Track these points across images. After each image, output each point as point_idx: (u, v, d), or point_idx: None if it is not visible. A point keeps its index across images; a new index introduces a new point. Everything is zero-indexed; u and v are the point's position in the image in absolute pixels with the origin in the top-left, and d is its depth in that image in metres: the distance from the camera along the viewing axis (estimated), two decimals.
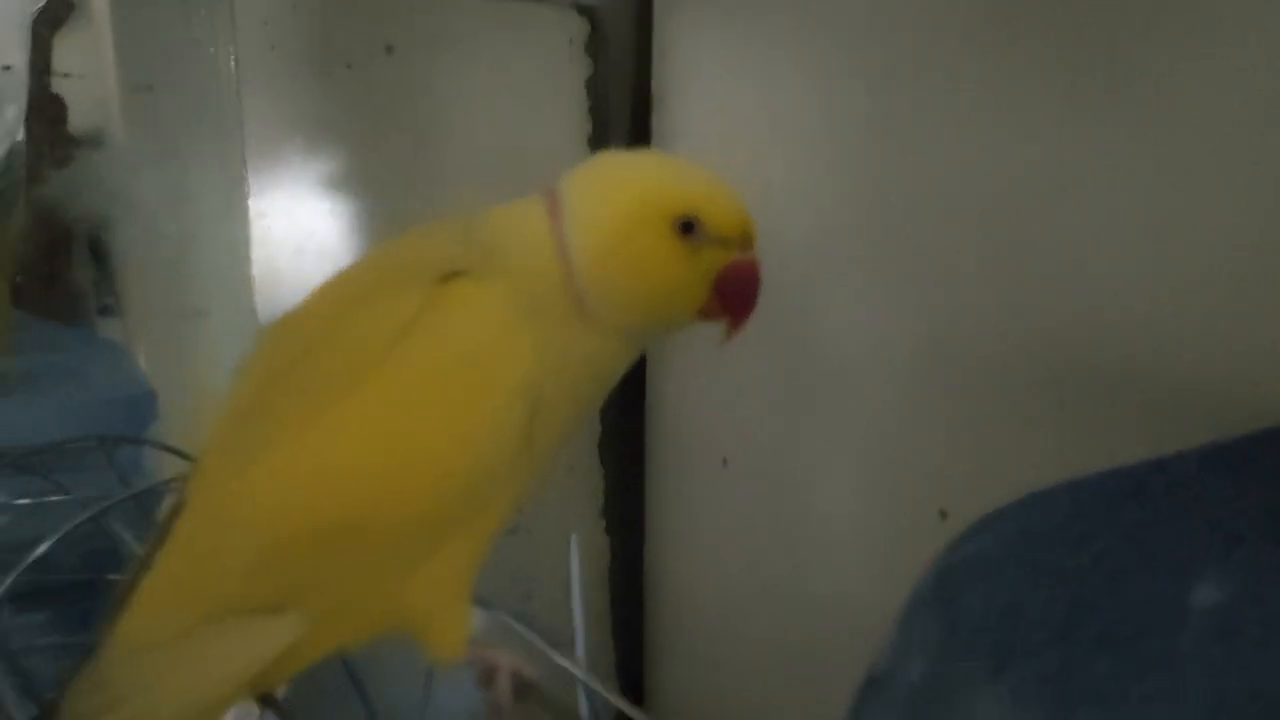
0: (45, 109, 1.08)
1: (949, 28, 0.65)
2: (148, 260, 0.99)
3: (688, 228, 0.41)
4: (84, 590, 0.75)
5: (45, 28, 1.07)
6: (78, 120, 1.09)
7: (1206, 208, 0.55)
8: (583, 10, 0.86)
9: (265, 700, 0.46)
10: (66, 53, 1.09)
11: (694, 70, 0.83)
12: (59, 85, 1.09)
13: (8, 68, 1.05)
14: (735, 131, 0.79)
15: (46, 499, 0.70)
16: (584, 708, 0.53)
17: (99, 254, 1.09)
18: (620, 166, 0.44)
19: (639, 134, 0.87)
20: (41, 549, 0.56)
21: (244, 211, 0.99)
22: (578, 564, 0.88)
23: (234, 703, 0.44)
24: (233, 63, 0.97)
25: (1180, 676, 0.22)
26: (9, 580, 0.54)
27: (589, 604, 0.93)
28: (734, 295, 0.43)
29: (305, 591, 0.40)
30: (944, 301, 0.68)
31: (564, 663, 0.50)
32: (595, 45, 0.87)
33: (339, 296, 0.44)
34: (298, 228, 0.99)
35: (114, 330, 1.07)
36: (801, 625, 0.81)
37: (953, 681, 0.26)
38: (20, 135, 1.10)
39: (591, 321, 0.41)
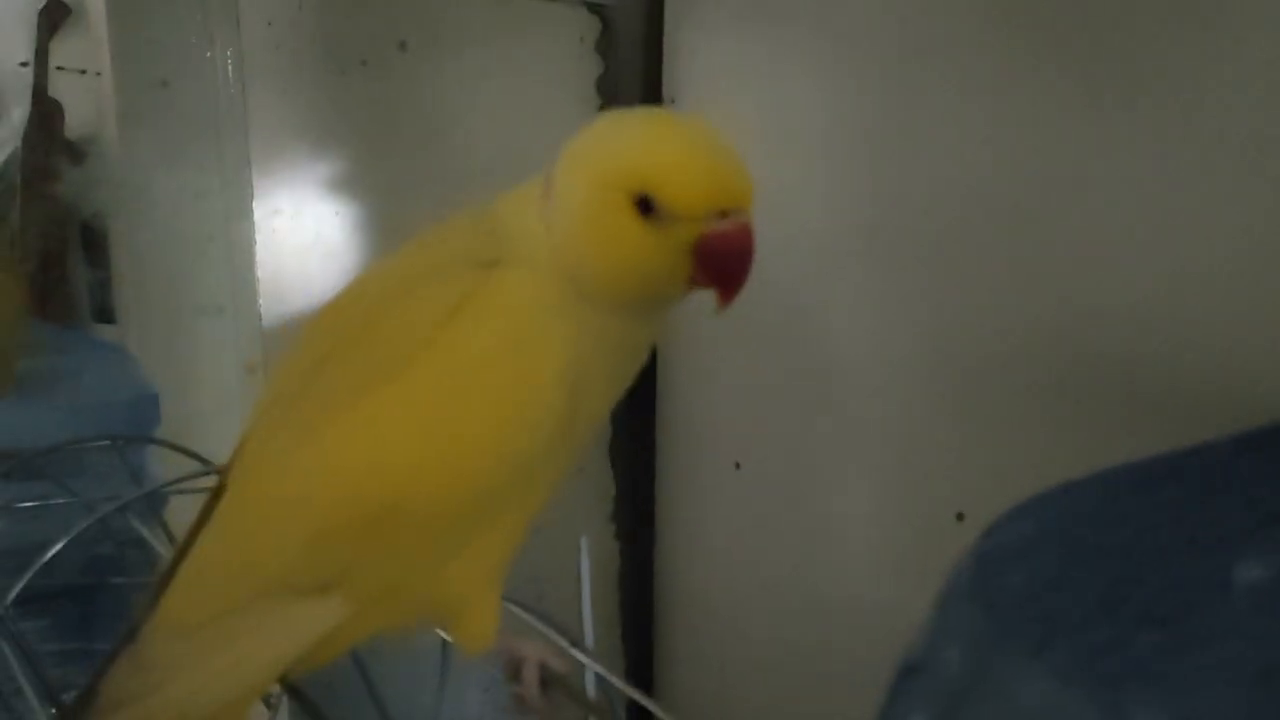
0: (43, 111, 1.08)
1: (961, 34, 0.66)
2: (150, 260, 0.99)
3: (646, 206, 0.39)
4: (85, 595, 0.75)
5: (43, 30, 1.07)
6: (81, 118, 1.09)
7: (1218, 210, 0.55)
8: (594, 9, 0.86)
9: (291, 690, 0.46)
10: (68, 53, 1.09)
11: (705, 70, 0.83)
12: (66, 82, 1.09)
13: (25, 64, 1.05)
14: (747, 132, 0.79)
15: (51, 501, 0.69)
16: (594, 696, 0.53)
17: (97, 255, 1.09)
18: (592, 140, 0.42)
19: None
20: (56, 548, 0.56)
21: (249, 211, 0.99)
22: (588, 566, 0.88)
23: (269, 687, 0.44)
24: (229, 64, 0.97)
25: (1227, 651, 0.22)
26: (26, 578, 0.54)
27: (600, 607, 0.92)
28: (712, 269, 0.40)
29: (347, 575, 0.41)
30: (956, 303, 0.68)
31: (577, 654, 0.50)
32: (606, 44, 0.87)
33: (378, 287, 0.44)
34: (305, 228, 0.99)
35: (115, 332, 1.07)
36: (814, 628, 0.81)
37: (993, 663, 0.26)
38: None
39: (594, 302, 0.41)
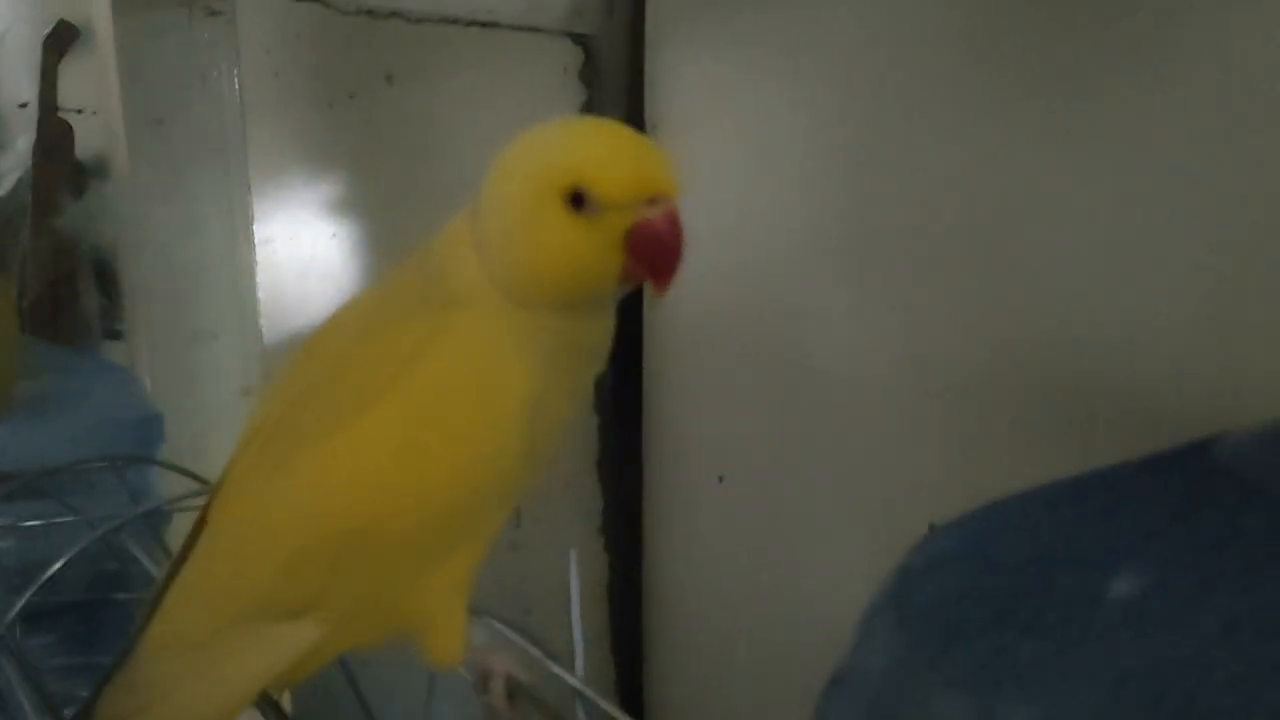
0: (52, 133, 1.10)
1: (935, 63, 0.67)
2: (155, 285, 1.01)
3: (578, 200, 0.39)
4: (88, 612, 0.77)
5: (51, 53, 1.10)
6: (85, 151, 1.11)
7: (1179, 230, 0.57)
8: (577, 39, 0.88)
9: (270, 706, 0.48)
10: (74, 85, 1.11)
11: (686, 96, 0.84)
12: (70, 120, 1.11)
13: (24, 105, 1.08)
14: (728, 157, 0.81)
15: (55, 520, 0.71)
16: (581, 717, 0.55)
17: (105, 280, 1.11)
18: (517, 151, 0.42)
19: None
20: (58, 565, 0.58)
21: (249, 237, 1.01)
22: (576, 579, 0.89)
23: (251, 703, 0.46)
24: (238, 90, 0.99)
25: (1091, 657, 0.24)
26: (26, 596, 0.56)
27: (588, 620, 0.94)
28: (645, 257, 0.40)
29: (324, 596, 0.43)
30: (934, 319, 0.69)
31: (559, 671, 0.52)
32: (589, 73, 0.89)
33: (352, 325, 0.47)
34: (301, 252, 1.01)
35: (120, 354, 1.09)
36: (799, 640, 0.82)
37: (904, 672, 0.28)
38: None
39: (530, 309, 0.42)
